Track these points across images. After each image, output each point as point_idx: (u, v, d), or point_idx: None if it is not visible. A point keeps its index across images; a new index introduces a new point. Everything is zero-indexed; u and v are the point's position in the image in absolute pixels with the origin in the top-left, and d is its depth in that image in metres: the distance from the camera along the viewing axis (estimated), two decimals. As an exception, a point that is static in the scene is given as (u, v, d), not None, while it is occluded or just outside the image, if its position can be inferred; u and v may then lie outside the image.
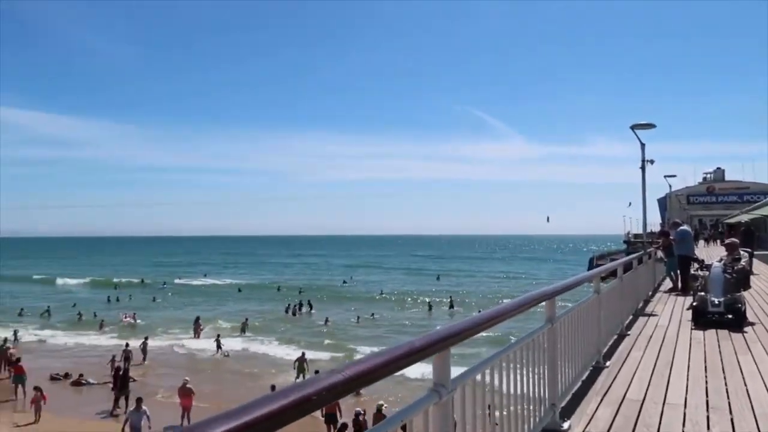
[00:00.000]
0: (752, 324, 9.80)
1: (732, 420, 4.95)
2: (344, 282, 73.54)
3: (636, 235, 61.60)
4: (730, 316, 9.75)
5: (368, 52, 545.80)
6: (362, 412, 17.94)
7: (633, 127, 14.76)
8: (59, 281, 76.52)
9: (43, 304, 49.46)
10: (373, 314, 44.59)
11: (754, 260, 11.85)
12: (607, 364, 7.05)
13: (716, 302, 9.86)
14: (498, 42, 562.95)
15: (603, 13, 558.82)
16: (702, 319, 9.89)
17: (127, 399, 22.01)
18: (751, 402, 5.42)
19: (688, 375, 6.53)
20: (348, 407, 18.65)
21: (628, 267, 10.68)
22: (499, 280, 76.92)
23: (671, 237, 15.60)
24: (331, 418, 18.52)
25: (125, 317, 43.10)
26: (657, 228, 46.51)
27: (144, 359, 30.24)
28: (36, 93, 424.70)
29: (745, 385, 6.03)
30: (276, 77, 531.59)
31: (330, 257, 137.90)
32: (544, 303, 4.61)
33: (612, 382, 6.20)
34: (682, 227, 15.70)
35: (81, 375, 26.31)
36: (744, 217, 48.29)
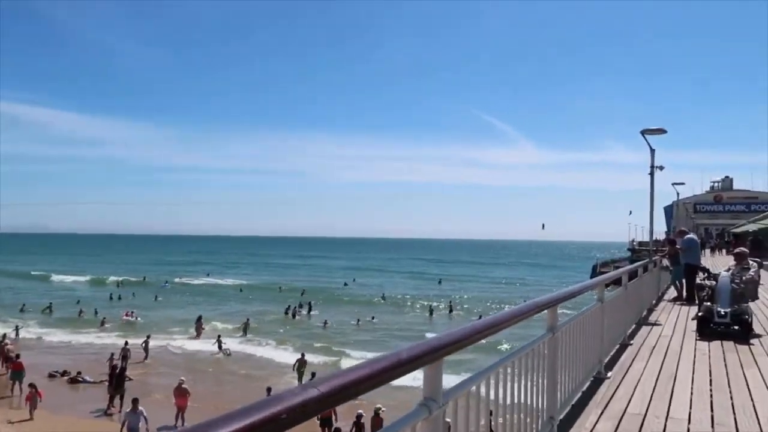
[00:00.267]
0: (759, 336, 9.58)
1: None
2: (345, 284, 73.37)
3: (641, 243, 61.29)
4: (736, 328, 9.54)
5: (384, 55, 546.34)
6: (363, 414, 17.90)
7: (643, 133, 14.54)
8: (55, 278, 75.87)
9: (46, 300, 49.39)
10: (373, 317, 44.34)
11: (762, 271, 11.60)
12: (609, 374, 6.85)
13: (722, 313, 9.65)
14: (506, 46, 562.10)
15: (613, 18, 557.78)
16: (707, 329, 9.69)
17: (122, 398, 21.89)
18: (758, 419, 5.21)
19: (692, 388, 6.31)
20: (350, 407, 18.14)
21: (632, 275, 10.48)
22: (501, 286, 76.57)
23: (678, 245, 15.37)
24: (326, 422, 18.27)
25: (125, 315, 43.06)
26: (662, 236, 46.35)
27: (146, 357, 30.19)
28: (48, 90, 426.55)
29: (752, 400, 5.82)
30: (289, 79, 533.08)
31: (334, 259, 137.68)
32: (544, 311, 4.41)
33: (613, 394, 6.00)
34: (688, 236, 15.49)
35: (79, 372, 26.22)
36: (751, 227, 47.96)
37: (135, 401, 18.89)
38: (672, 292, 16.09)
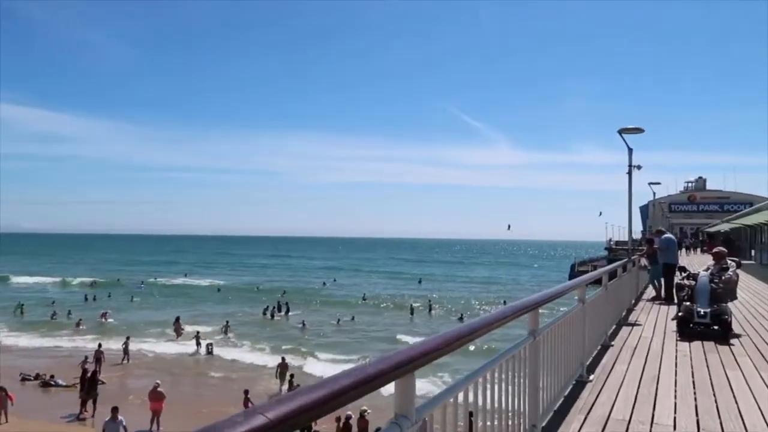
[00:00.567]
0: (738, 336, 9.52)
1: None
2: (324, 284, 72.93)
3: (618, 242, 61.79)
4: (716, 328, 9.47)
5: (361, 55, 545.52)
6: (352, 416, 17.91)
7: (621, 131, 14.46)
8: (14, 280, 72.31)
9: (15, 302, 48.14)
10: (353, 317, 43.95)
11: (739, 270, 11.57)
12: (591, 377, 6.68)
13: (702, 313, 9.58)
14: (487, 46, 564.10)
15: (590, 18, 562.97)
16: (687, 329, 9.61)
17: (95, 402, 21.34)
18: (744, 424, 5.05)
19: (676, 392, 6.16)
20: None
21: (612, 275, 10.36)
22: (480, 285, 76.62)
23: (656, 245, 15.34)
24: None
25: (102, 317, 42.20)
26: (639, 236, 46.71)
27: (126, 359, 29.71)
28: (25, 88, 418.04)
29: (737, 404, 5.68)
30: (270, 78, 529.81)
31: (311, 259, 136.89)
32: (525, 315, 4.18)
33: (596, 399, 5.82)
34: (666, 235, 15.45)
35: (52, 376, 25.61)
36: (724, 227, 48.66)
37: (115, 409, 18.23)
38: (650, 292, 16.07)
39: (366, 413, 17.83)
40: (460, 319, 41.08)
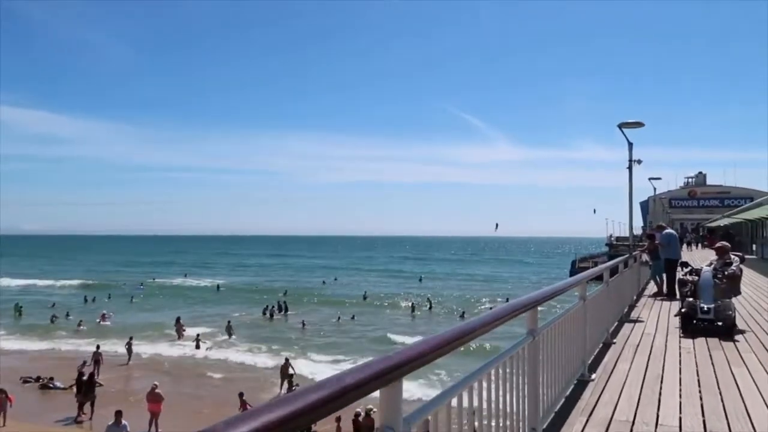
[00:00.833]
0: (743, 332, 9.34)
1: None
2: (323, 283, 72.73)
3: (619, 238, 61.57)
4: (719, 324, 9.27)
5: (361, 55, 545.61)
6: (362, 413, 17.71)
7: (621, 126, 14.30)
8: (13, 282, 70.87)
9: (13, 303, 47.90)
10: (353, 317, 43.75)
11: (743, 265, 11.39)
12: (593, 376, 6.49)
13: (706, 309, 9.38)
14: (487, 45, 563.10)
15: (590, 18, 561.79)
16: (691, 326, 9.42)
17: (92, 405, 21.16)
18: (752, 424, 4.87)
19: (680, 391, 5.96)
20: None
21: (613, 271, 10.17)
22: (480, 283, 76.41)
23: (657, 240, 15.16)
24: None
25: (101, 318, 42.03)
26: (640, 231, 46.52)
27: (129, 360, 29.63)
28: (23, 90, 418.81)
29: (744, 403, 5.49)
30: (270, 78, 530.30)
31: (312, 258, 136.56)
32: (524, 314, 4.00)
33: (598, 399, 5.63)
34: (667, 230, 15.28)
35: (51, 378, 25.42)
36: (725, 221, 48.45)
37: (119, 413, 17.88)
38: (652, 288, 15.89)
39: (372, 412, 17.50)
40: (462, 316, 40.89)
